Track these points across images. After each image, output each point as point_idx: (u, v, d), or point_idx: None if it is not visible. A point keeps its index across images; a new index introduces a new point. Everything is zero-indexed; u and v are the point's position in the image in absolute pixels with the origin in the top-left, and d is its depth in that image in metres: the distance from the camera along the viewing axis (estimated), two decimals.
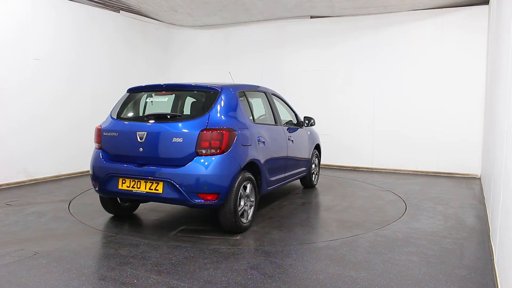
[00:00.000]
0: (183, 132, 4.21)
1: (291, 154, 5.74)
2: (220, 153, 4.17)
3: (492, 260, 3.66)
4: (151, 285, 3.13)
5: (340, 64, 9.04)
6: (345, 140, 8.96)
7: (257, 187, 4.77)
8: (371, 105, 8.81)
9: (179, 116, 4.58)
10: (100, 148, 4.68)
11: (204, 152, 4.14)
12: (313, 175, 6.90)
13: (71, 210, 5.38)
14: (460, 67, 8.00)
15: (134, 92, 4.93)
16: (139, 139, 4.34)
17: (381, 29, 8.64)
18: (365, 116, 8.87)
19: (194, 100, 4.76)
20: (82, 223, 4.82)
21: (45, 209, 5.37)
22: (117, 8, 8.64)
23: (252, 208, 4.65)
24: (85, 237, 4.35)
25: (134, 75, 9.02)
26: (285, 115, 6.23)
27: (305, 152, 6.35)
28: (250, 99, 5.25)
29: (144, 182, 4.29)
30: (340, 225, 4.79)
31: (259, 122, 5.15)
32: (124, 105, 4.86)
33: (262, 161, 4.78)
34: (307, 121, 6.43)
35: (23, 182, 6.99)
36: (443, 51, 8.12)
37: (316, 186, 7.07)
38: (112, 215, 5.14)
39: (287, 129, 5.83)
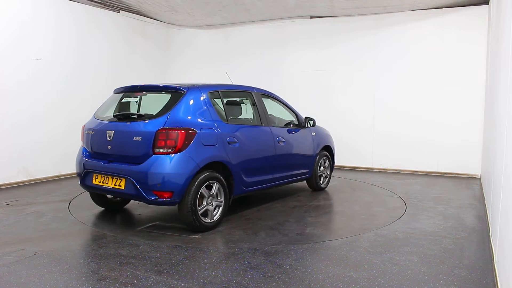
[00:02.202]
0: (143, 131, 4.38)
1: (282, 155, 5.63)
2: (175, 152, 4.26)
3: (492, 260, 3.66)
4: (151, 285, 3.14)
5: (340, 64, 9.04)
6: (345, 140, 8.94)
7: (231, 188, 4.83)
8: (371, 105, 8.81)
9: (142, 115, 4.67)
10: (83, 145, 5.04)
11: (160, 151, 4.26)
12: (321, 178, 6.66)
13: (71, 210, 5.39)
14: (460, 67, 8.00)
15: (118, 92, 5.15)
16: (108, 138, 4.60)
17: (381, 29, 8.64)
18: (365, 116, 8.87)
19: (163, 100, 4.85)
20: (82, 223, 4.83)
21: (45, 209, 5.37)
22: (117, 8, 8.64)
23: (221, 208, 4.66)
24: (85, 237, 4.36)
25: (133, 75, 9.01)
26: (286, 116, 6.19)
27: (306, 154, 6.21)
28: (228, 99, 5.30)
29: (111, 178, 4.53)
30: (311, 231, 4.57)
31: (236, 123, 5.12)
32: (106, 105, 5.15)
33: (233, 162, 4.78)
34: (310, 122, 6.29)
35: (23, 182, 6.99)
36: (443, 51, 8.12)
37: (325, 189, 6.80)
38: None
39: (283, 130, 5.77)
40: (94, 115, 5.09)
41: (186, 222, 4.43)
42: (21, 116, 6.92)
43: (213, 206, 4.57)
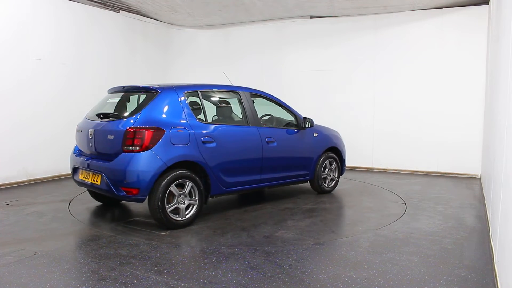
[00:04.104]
0: (115, 130, 4.58)
1: (271, 156, 5.51)
2: (142, 151, 4.39)
3: (492, 260, 3.66)
4: (151, 285, 3.14)
5: (340, 64, 9.04)
6: (345, 140, 8.91)
7: (208, 187, 4.89)
8: (371, 105, 8.81)
9: (118, 115, 4.85)
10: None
11: (129, 149, 4.42)
12: (326, 180, 6.44)
13: (71, 210, 5.39)
14: (460, 67, 8.00)
15: (110, 92, 5.38)
16: (89, 136, 4.88)
17: (381, 29, 8.64)
18: (365, 116, 8.87)
19: (140, 100, 4.97)
20: (82, 223, 4.83)
21: (45, 209, 5.37)
22: (117, 8, 8.64)
23: (195, 207, 4.71)
24: (85, 237, 4.36)
25: (134, 75, 9.02)
26: (288, 117, 6.08)
27: (304, 155, 6.06)
28: (209, 99, 5.37)
29: (91, 174, 4.79)
30: (281, 235, 4.37)
31: (216, 123, 5.17)
32: (97, 105, 5.36)
33: (209, 161, 4.81)
34: (308, 122, 6.07)
35: (23, 182, 6.99)
36: (443, 51, 8.12)
37: (332, 192, 6.58)
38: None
39: (275, 131, 5.69)
40: (85, 115, 5.33)
41: (155, 219, 4.55)
42: (21, 116, 6.92)
43: (184, 205, 4.64)
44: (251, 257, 3.74)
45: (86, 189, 6.40)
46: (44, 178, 7.34)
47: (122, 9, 8.76)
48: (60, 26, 7.51)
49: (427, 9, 8.19)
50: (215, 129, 4.97)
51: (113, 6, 8.47)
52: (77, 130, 5.23)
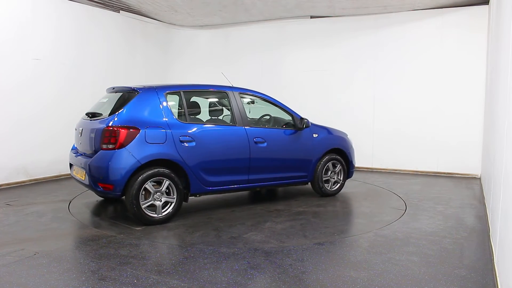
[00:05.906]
0: (95, 128, 4.82)
1: (260, 157, 5.42)
2: (116, 149, 4.59)
3: (492, 260, 3.66)
4: (151, 285, 3.14)
5: (340, 64, 9.04)
6: None
7: (188, 186, 4.95)
8: (371, 105, 8.81)
9: (101, 114, 5.04)
10: None
11: (108, 147, 4.63)
12: (329, 183, 6.19)
13: (71, 210, 5.39)
14: (460, 67, 8.00)
15: (107, 92, 5.56)
16: (79, 134, 5.19)
17: (381, 29, 8.64)
18: (365, 116, 8.87)
19: (123, 100, 5.06)
20: (82, 223, 4.83)
21: (45, 209, 5.38)
22: (117, 8, 8.64)
23: (172, 204, 4.80)
24: (85, 237, 4.35)
25: (133, 75, 9.01)
26: (286, 117, 6.04)
27: (301, 156, 5.86)
28: (192, 100, 5.41)
29: (80, 170, 5.03)
30: (249, 236, 4.30)
31: (198, 122, 5.22)
32: (93, 105, 5.60)
33: (188, 160, 4.87)
34: (304, 122, 5.86)
35: (23, 182, 6.99)
36: (443, 51, 8.12)
37: (336, 195, 6.31)
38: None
39: (268, 131, 5.60)
40: (82, 115, 5.53)
41: (131, 214, 4.73)
42: (21, 116, 6.92)
43: (161, 202, 4.73)
44: (251, 257, 3.74)
45: (86, 189, 6.43)
46: (44, 178, 7.33)
47: (122, 9, 8.76)
48: (60, 26, 7.50)
49: (427, 9, 8.19)
50: (195, 128, 5.02)
51: (113, 6, 8.47)
52: (75, 129, 5.52)
